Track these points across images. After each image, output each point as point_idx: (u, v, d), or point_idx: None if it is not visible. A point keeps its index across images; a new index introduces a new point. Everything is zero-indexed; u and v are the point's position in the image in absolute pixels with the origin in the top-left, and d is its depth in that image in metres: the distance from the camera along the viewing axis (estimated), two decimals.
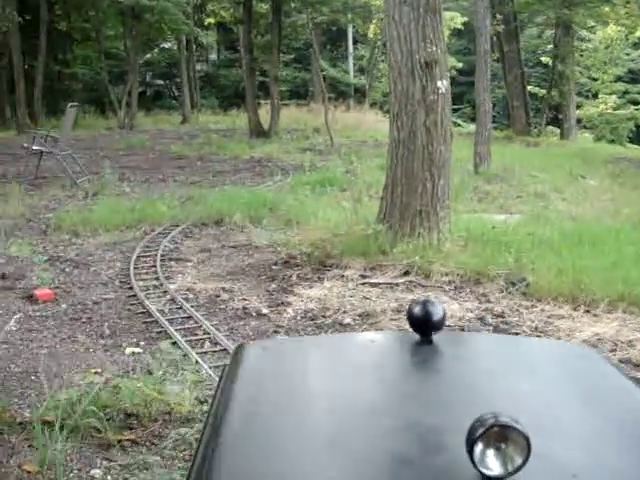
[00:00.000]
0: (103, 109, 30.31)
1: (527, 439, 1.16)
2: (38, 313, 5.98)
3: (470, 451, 1.17)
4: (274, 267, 7.51)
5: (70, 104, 14.43)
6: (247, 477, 1.29)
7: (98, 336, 5.47)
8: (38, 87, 25.50)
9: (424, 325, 1.73)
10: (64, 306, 6.21)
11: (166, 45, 35.70)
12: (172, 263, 7.82)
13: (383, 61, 30.67)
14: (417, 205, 7.48)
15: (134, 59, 27.76)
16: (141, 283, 6.98)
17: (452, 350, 1.80)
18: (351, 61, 35.01)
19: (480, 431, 1.17)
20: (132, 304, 6.34)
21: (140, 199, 11.32)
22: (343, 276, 6.95)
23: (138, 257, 7.97)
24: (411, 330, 1.76)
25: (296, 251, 7.89)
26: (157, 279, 7.13)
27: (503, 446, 1.18)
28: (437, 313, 1.72)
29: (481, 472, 1.17)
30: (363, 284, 6.73)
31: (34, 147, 13.56)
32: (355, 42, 35.21)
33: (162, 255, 8.06)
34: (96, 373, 4.63)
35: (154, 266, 7.58)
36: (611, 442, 1.38)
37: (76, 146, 19.56)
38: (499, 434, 1.17)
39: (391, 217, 7.63)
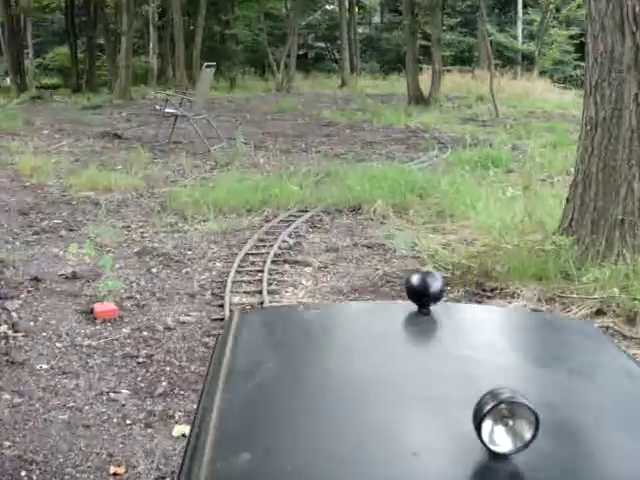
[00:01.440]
0: (263, 71, 30.06)
1: (536, 415, 1.11)
2: (87, 342, 4.46)
3: (478, 427, 1.12)
4: None
5: (206, 64, 13.13)
6: (245, 447, 1.18)
7: (148, 393, 3.86)
8: (197, 48, 25.30)
9: (422, 296, 1.67)
10: (125, 331, 4.68)
11: (328, 7, 34.69)
12: (286, 267, 6.15)
13: (554, 26, 28.00)
14: (618, 212, 5.36)
15: (294, 21, 27.18)
16: (236, 299, 5.35)
17: (450, 321, 1.75)
18: (520, 26, 32.40)
19: (488, 407, 1.11)
20: (214, 335, 4.71)
21: (272, 173, 9.85)
22: None
23: (246, 255, 6.38)
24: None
25: (446, 260, 6.05)
26: (259, 292, 5.48)
27: (511, 422, 1.13)
28: (436, 285, 1.67)
29: (488, 448, 1.12)
30: None
31: (167, 110, 12.56)
32: (525, 6, 32.55)
33: (276, 254, 6.41)
34: (115, 475, 3.05)
35: (261, 271, 5.94)
36: (614, 418, 1.32)
37: (227, 108, 18.74)
38: (507, 410, 1.12)
39: (580, 227, 5.56)
